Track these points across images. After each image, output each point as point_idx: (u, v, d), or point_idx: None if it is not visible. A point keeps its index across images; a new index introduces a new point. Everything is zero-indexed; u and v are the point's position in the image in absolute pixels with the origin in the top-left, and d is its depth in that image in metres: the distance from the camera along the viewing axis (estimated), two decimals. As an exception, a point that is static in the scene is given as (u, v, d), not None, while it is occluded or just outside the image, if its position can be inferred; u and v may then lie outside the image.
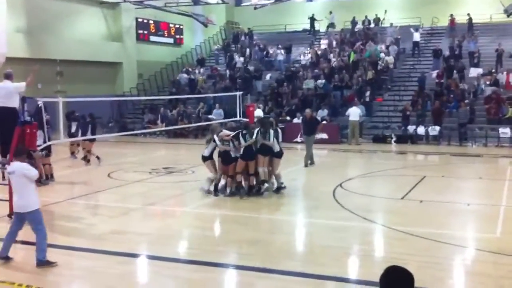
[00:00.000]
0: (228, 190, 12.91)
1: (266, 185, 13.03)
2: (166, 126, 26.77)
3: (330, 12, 36.63)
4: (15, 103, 10.80)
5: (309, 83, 27.93)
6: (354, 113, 23.69)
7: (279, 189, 13.12)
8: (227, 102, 28.06)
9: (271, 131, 12.91)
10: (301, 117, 22.08)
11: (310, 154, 17.45)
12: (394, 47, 30.76)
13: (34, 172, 8.07)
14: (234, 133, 12.88)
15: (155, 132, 26.93)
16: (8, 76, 11.05)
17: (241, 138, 12.69)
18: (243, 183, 12.93)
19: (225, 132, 13.06)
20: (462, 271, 7.91)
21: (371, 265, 8.13)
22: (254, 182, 12.81)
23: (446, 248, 8.67)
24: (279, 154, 13.12)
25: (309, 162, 17.43)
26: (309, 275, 7.55)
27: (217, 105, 27.39)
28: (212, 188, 12.95)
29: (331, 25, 36.24)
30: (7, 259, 8.09)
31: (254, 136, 12.66)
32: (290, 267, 7.90)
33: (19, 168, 8.00)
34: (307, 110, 18.44)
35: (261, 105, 27.06)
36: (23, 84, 10.91)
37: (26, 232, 8.26)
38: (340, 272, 7.78)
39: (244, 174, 12.92)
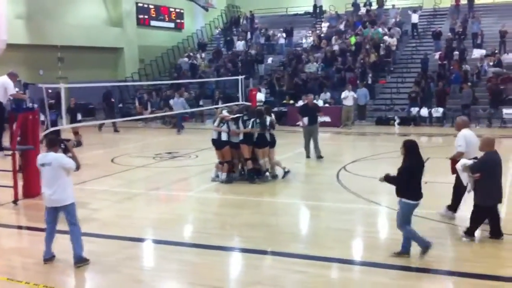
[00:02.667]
0: (220, 176, 12.60)
1: (267, 174, 12.84)
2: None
3: None
4: (2, 98, 11.22)
5: (311, 67, 27.80)
6: (347, 98, 23.55)
7: (286, 174, 12.95)
8: (228, 87, 27.96)
9: (268, 119, 12.69)
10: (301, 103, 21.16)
11: (317, 144, 15.87)
12: (397, 29, 30.53)
13: (72, 164, 7.48)
14: (234, 116, 12.67)
15: (156, 117, 26.74)
16: (10, 75, 11.37)
17: (240, 124, 12.50)
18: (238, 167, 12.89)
19: (225, 114, 12.82)
20: (467, 251, 7.91)
21: (376, 247, 8.15)
22: (255, 166, 12.66)
23: (451, 228, 8.67)
24: (273, 143, 12.93)
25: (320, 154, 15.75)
26: (313, 257, 7.57)
27: (176, 93, 24.86)
28: (220, 176, 12.77)
29: (320, 8, 35.92)
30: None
31: (250, 126, 12.38)
32: (294, 250, 7.93)
33: (57, 159, 7.39)
34: (310, 96, 16.67)
35: (264, 89, 26.99)
36: (12, 91, 11.21)
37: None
38: (345, 254, 7.80)
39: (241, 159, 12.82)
